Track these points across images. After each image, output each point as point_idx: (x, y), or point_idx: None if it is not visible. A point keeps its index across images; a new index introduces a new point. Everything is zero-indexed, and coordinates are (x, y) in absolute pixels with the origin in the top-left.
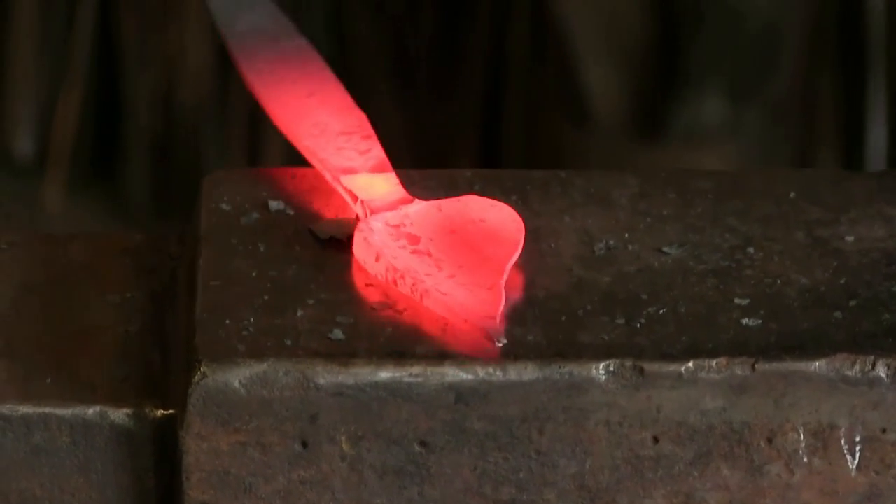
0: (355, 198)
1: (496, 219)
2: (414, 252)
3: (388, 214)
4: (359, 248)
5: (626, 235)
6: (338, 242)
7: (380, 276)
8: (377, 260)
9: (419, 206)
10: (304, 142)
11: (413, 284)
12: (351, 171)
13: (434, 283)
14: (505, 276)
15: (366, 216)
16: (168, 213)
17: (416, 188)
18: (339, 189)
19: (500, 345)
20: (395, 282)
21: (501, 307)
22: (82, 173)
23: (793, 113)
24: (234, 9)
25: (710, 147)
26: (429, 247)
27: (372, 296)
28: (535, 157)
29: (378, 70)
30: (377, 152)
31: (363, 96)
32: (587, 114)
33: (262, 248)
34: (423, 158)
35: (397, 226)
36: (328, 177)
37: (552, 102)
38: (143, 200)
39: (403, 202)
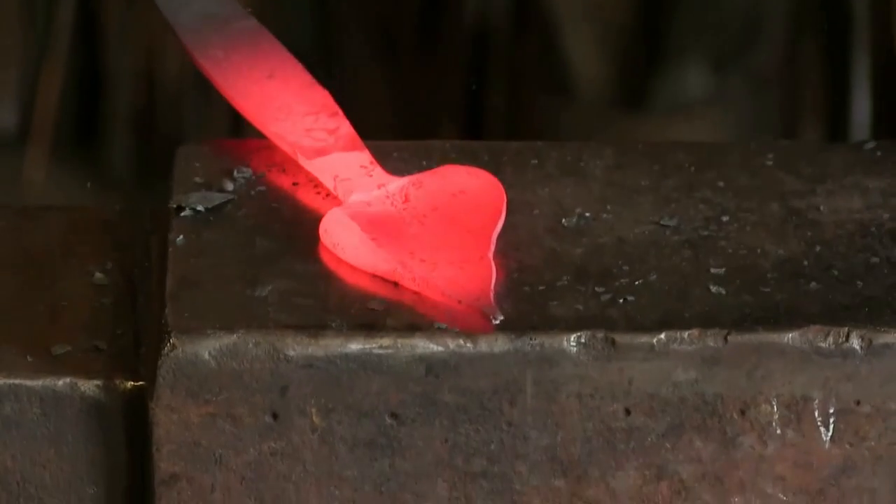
0: (331, 179)
1: (476, 187)
2: (396, 234)
3: (366, 194)
4: (333, 236)
5: (600, 207)
6: (304, 218)
7: (357, 264)
8: (356, 247)
9: (397, 183)
10: (272, 128)
11: (397, 270)
12: (323, 151)
13: (419, 265)
14: (492, 247)
15: (344, 198)
16: (151, 186)
17: (392, 160)
18: (314, 171)
19: (497, 322)
20: (375, 270)
21: (493, 280)
22: (65, 146)
23: (776, 83)
24: None
25: (693, 117)
26: (411, 226)
27: (343, 268)
28: (518, 129)
29: (360, 41)
30: (346, 129)
31: (345, 67)
32: (570, 85)
33: (233, 221)
34: (406, 128)
35: (376, 205)
36: (301, 161)
37: (535, 74)
38: (125, 173)
39: (380, 179)
